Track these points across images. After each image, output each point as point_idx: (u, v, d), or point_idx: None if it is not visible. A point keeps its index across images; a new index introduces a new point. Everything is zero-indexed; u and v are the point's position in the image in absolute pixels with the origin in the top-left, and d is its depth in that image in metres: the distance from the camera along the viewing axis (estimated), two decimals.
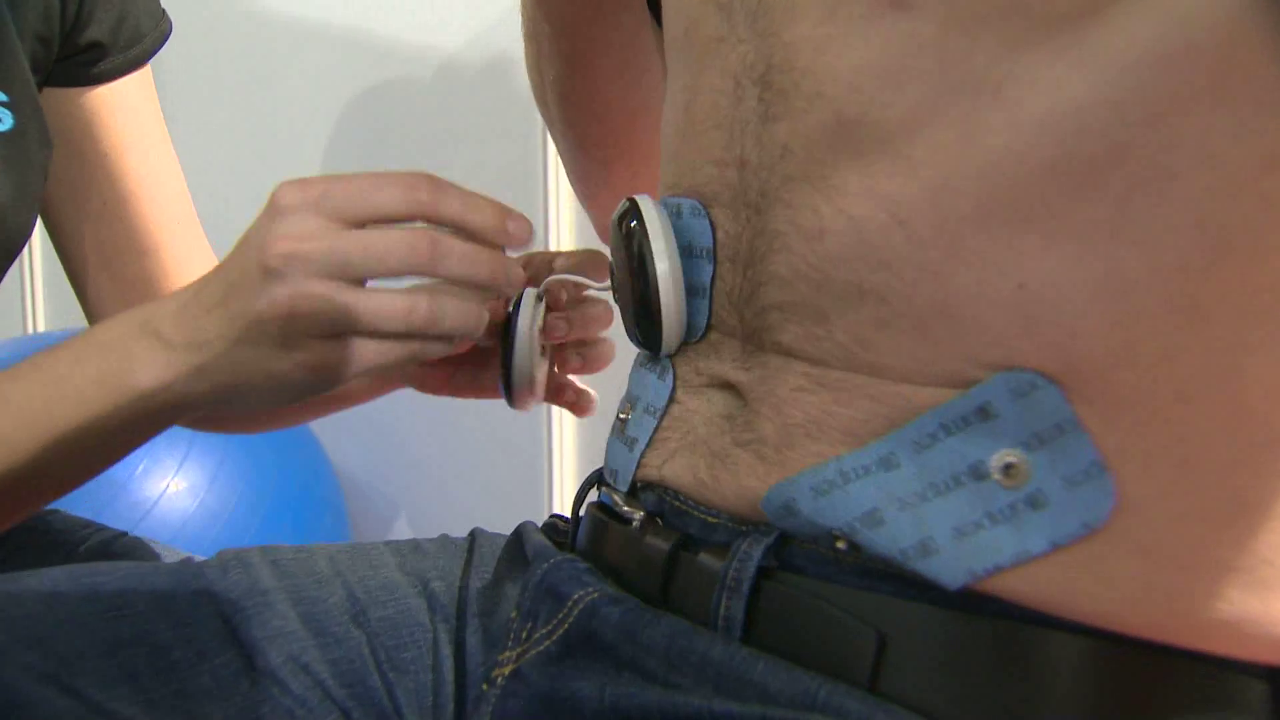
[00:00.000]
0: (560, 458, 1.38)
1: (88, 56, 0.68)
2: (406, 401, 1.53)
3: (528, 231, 0.47)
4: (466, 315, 0.46)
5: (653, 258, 0.41)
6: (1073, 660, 0.34)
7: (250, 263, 0.44)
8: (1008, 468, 0.34)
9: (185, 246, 0.72)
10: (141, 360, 0.46)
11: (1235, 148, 0.31)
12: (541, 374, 0.55)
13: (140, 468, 1.06)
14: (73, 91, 0.68)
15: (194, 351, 0.45)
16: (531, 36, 0.65)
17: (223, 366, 0.45)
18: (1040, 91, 0.32)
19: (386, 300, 0.44)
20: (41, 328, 1.52)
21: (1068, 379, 0.33)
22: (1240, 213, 0.32)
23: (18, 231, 0.65)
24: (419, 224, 0.46)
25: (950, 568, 0.34)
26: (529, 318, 0.51)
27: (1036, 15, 0.32)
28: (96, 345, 0.47)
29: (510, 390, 0.53)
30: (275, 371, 0.45)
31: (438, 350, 0.47)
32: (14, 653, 0.43)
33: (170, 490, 1.08)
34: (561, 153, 0.71)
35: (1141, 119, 0.31)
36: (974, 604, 0.34)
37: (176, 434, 1.07)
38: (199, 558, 0.53)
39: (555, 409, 1.36)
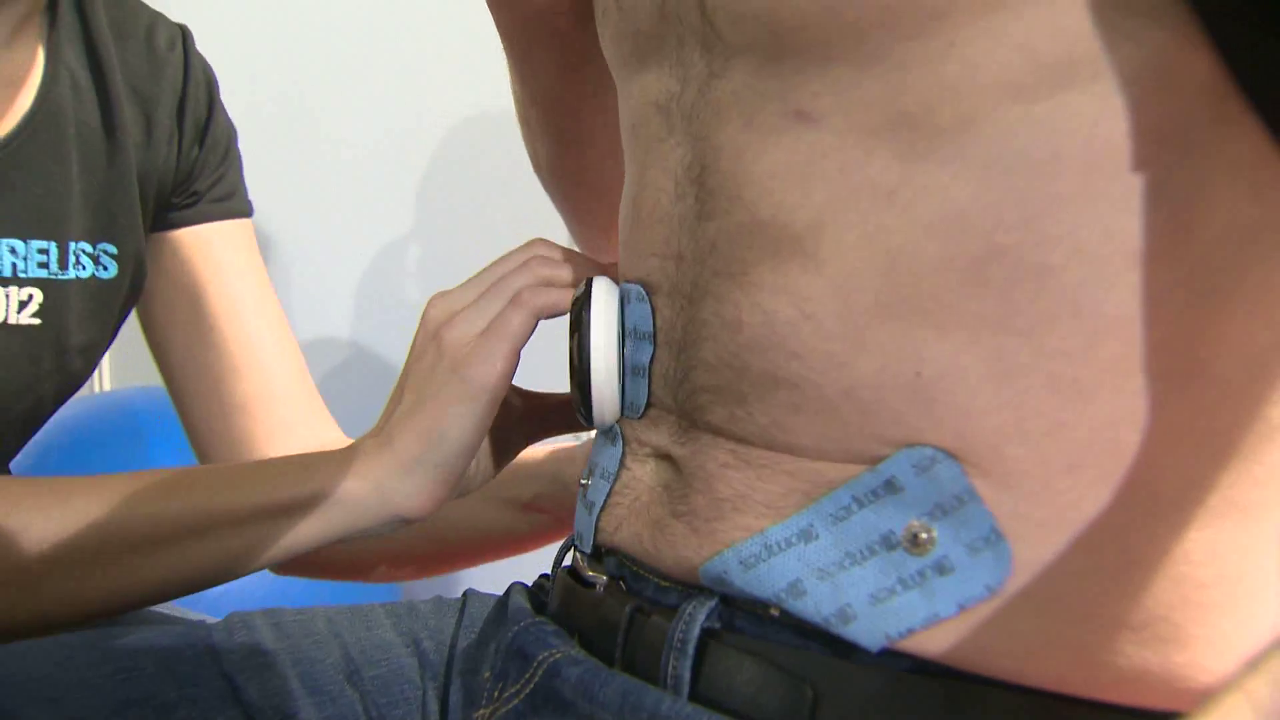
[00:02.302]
0: None
1: (185, 202, 0.76)
2: None
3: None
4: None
5: (591, 338, 0.44)
6: (993, 712, 0.36)
7: (440, 370, 0.50)
8: (915, 537, 0.36)
9: (273, 368, 0.78)
10: (407, 491, 0.50)
11: (1104, 245, 0.34)
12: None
13: None
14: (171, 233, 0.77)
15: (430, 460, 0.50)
16: (523, 119, 0.68)
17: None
18: (928, 197, 0.35)
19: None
20: (108, 386, 1.59)
21: (964, 454, 0.36)
22: (1113, 302, 0.34)
23: (80, 374, 0.72)
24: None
25: (869, 631, 0.36)
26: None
27: (922, 128, 0.35)
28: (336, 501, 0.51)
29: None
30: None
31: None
32: (28, 712, 0.47)
33: None
34: (563, 217, 0.74)
35: (1017, 221, 0.34)
36: (898, 662, 0.37)
37: None
38: (210, 619, 0.57)
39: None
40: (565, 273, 0.52)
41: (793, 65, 0.37)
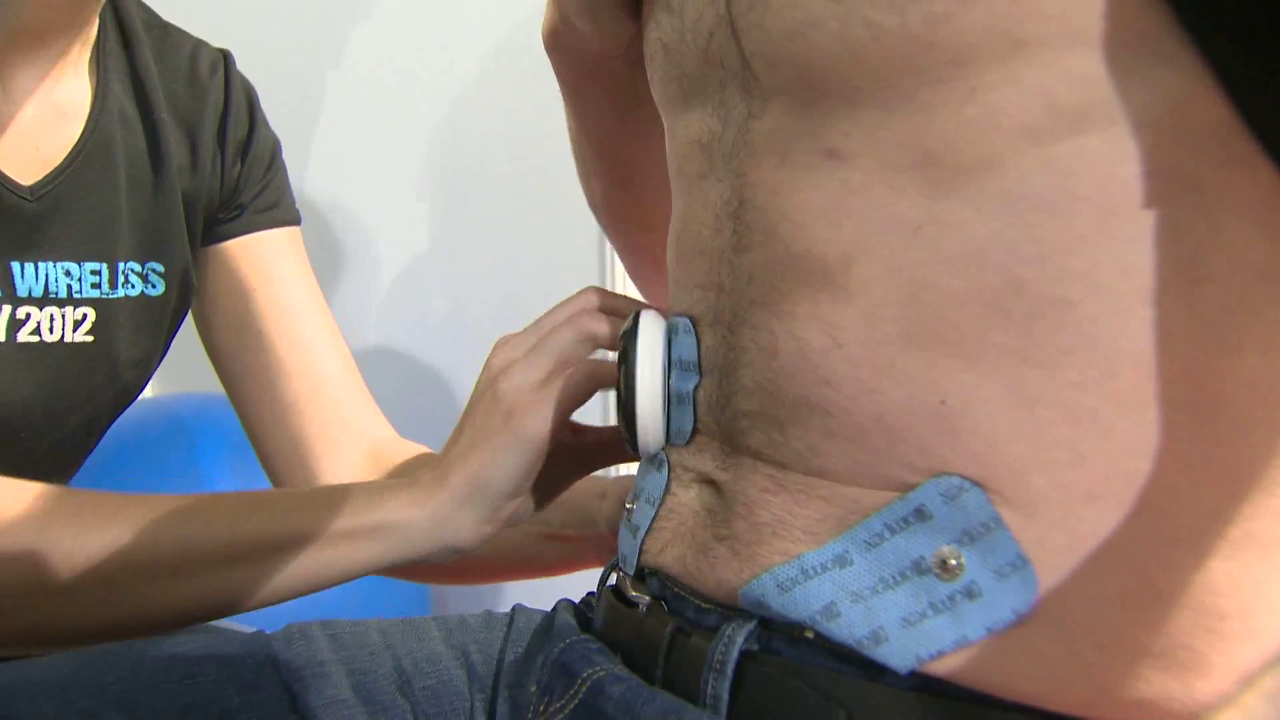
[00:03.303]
0: None
1: (231, 215, 0.81)
2: None
3: None
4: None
5: (636, 370, 0.46)
6: None
7: (495, 417, 0.54)
8: (944, 563, 0.37)
9: (323, 369, 0.81)
10: (457, 526, 0.55)
11: (1120, 281, 0.35)
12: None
13: None
14: (220, 245, 0.81)
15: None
16: (578, 157, 0.70)
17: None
18: (951, 232, 0.37)
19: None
20: (149, 393, 1.63)
21: (988, 482, 0.37)
22: (1129, 337, 0.35)
23: (133, 387, 0.77)
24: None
25: (899, 654, 0.38)
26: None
27: (947, 166, 0.37)
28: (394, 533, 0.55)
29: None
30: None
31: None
32: (105, 715, 0.50)
33: None
34: (616, 250, 0.76)
35: (1035, 257, 0.36)
36: (926, 684, 0.38)
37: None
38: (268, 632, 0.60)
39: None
40: (606, 328, 0.56)
41: (823, 107, 0.39)
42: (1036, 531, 0.37)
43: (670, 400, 0.47)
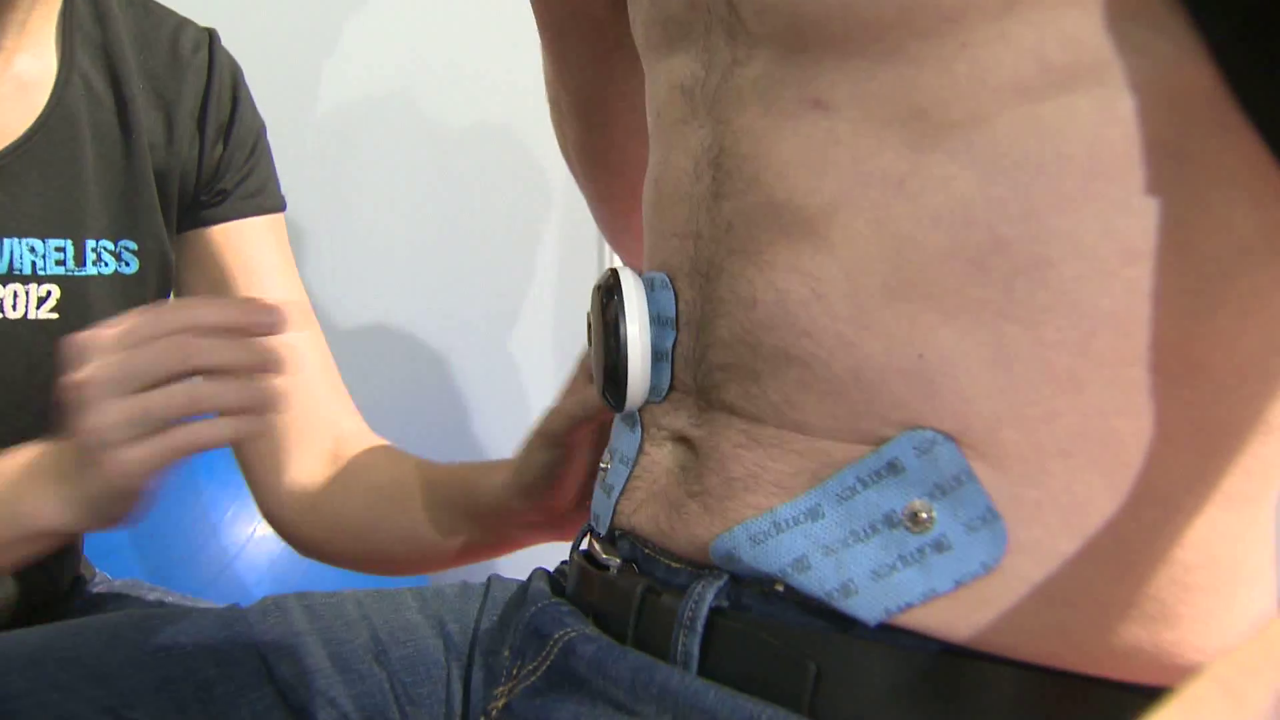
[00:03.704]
0: None
1: (213, 200, 0.79)
2: (487, 439, 1.58)
3: (274, 317, 0.54)
4: (227, 393, 0.53)
5: (625, 327, 0.46)
6: (985, 684, 0.38)
7: (88, 444, 0.52)
8: (915, 516, 0.38)
9: (298, 362, 0.78)
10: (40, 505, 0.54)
11: (1103, 241, 0.35)
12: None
13: (230, 513, 1.12)
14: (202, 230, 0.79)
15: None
16: (553, 101, 0.70)
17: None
18: (936, 187, 0.37)
19: (157, 395, 0.51)
20: None
21: (962, 436, 0.37)
22: (1109, 297, 0.36)
23: None
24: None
25: (868, 606, 0.38)
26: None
27: (934, 121, 0.37)
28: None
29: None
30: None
31: (235, 428, 0.54)
32: (80, 688, 0.50)
33: (257, 534, 1.13)
34: (587, 201, 0.76)
35: (1020, 214, 0.36)
36: (895, 637, 0.38)
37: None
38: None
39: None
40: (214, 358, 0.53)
41: (811, 56, 0.39)
42: (1008, 486, 0.37)
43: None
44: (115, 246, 0.73)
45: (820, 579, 0.39)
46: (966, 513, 0.37)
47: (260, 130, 0.83)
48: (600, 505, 0.49)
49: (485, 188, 1.52)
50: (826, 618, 0.39)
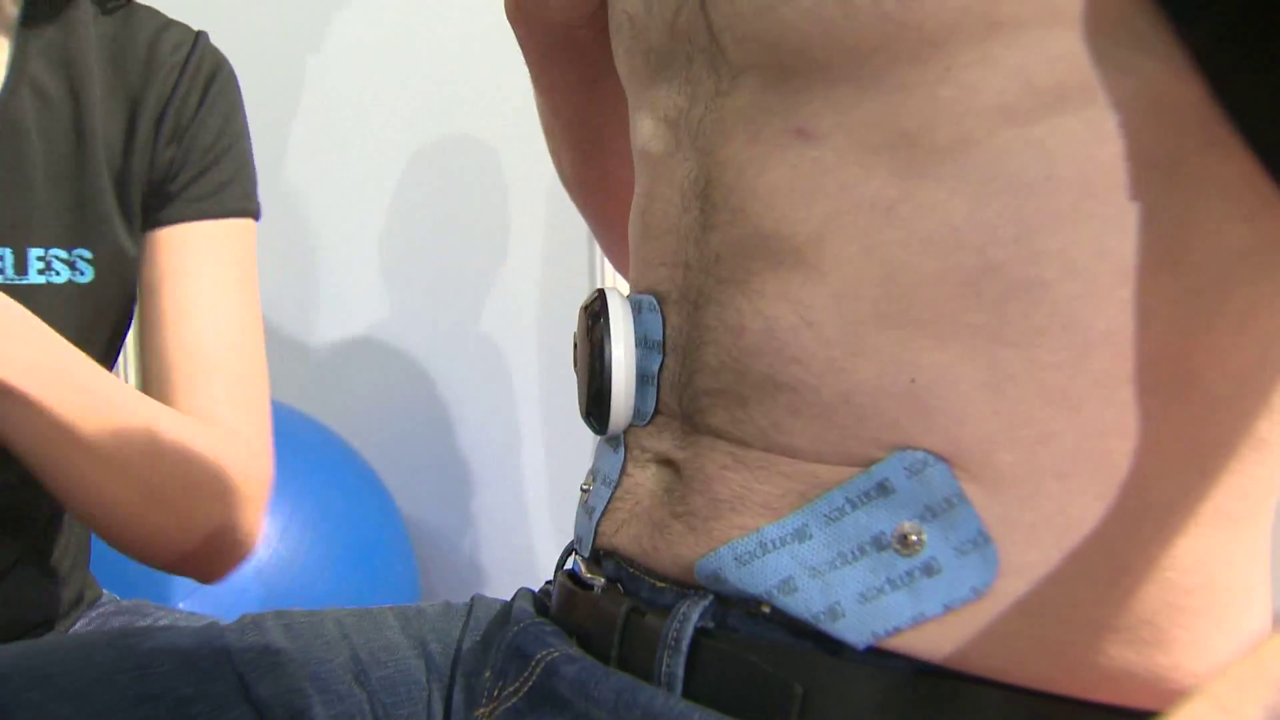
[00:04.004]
0: None
1: (158, 203, 0.76)
2: (475, 450, 1.59)
3: None
4: None
5: (610, 349, 0.46)
6: (981, 710, 0.37)
7: None
8: (905, 538, 0.37)
9: (191, 384, 0.73)
10: None
11: (1096, 261, 0.35)
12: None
13: None
14: (149, 233, 0.77)
15: None
16: (547, 129, 0.70)
17: None
18: (926, 213, 0.37)
19: None
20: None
21: (955, 459, 0.37)
22: (1103, 317, 0.35)
23: None
24: None
25: (856, 629, 0.37)
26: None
27: (921, 146, 0.36)
28: None
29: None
30: None
31: None
32: (51, 707, 0.48)
33: None
34: (589, 226, 0.76)
35: (1011, 237, 0.36)
36: (885, 661, 0.38)
37: None
38: (223, 621, 0.59)
39: None
40: None
41: (795, 85, 0.39)
42: (1002, 508, 0.36)
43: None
44: (69, 255, 0.71)
45: (807, 601, 0.38)
46: (958, 536, 0.36)
47: (232, 134, 0.80)
48: (582, 527, 0.49)
49: (473, 182, 1.51)
50: (813, 640, 0.39)
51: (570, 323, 1.49)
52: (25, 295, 0.69)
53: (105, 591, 0.87)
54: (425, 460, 1.55)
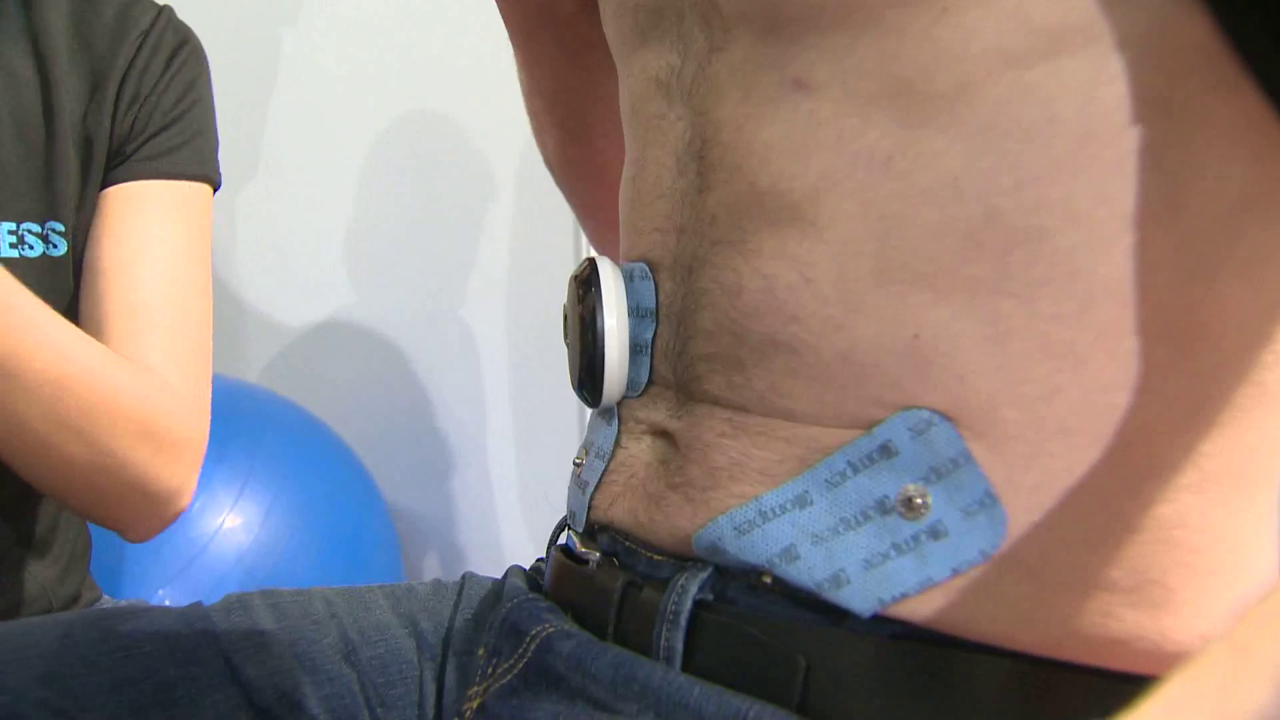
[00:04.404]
0: None
1: (115, 163, 0.75)
2: (458, 438, 1.58)
3: None
4: None
5: (603, 319, 0.44)
6: (982, 678, 0.36)
7: None
8: (909, 501, 0.36)
9: (125, 334, 0.71)
10: None
11: (1099, 209, 0.34)
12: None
13: (197, 504, 1.09)
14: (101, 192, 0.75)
15: None
16: (531, 112, 0.69)
17: None
18: (924, 164, 0.35)
19: None
20: None
21: (959, 417, 0.36)
22: (1107, 266, 0.34)
23: None
24: None
25: (861, 597, 0.36)
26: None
27: (918, 95, 0.35)
28: None
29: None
30: None
31: None
32: (29, 689, 0.47)
33: (226, 526, 1.11)
34: (575, 213, 0.75)
35: (1012, 185, 0.34)
36: (889, 629, 0.37)
37: (232, 472, 1.11)
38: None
39: None
40: None
41: (789, 34, 0.37)
42: (1007, 468, 0.35)
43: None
44: (42, 229, 0.71)
45: (809, 569, 0.37)
46: (964, 497, 0.35)
47: (192, 100, 0.78)
48: (575, 501, 0.48)
49: (454, 161, 1.49)
50: (816, 610, 0.38)
51: (553, 305, 1.49)
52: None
53: (103, 593, 0.86)
54: (408, 446, 1.54)
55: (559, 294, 1.42)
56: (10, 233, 0.69)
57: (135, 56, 0.75)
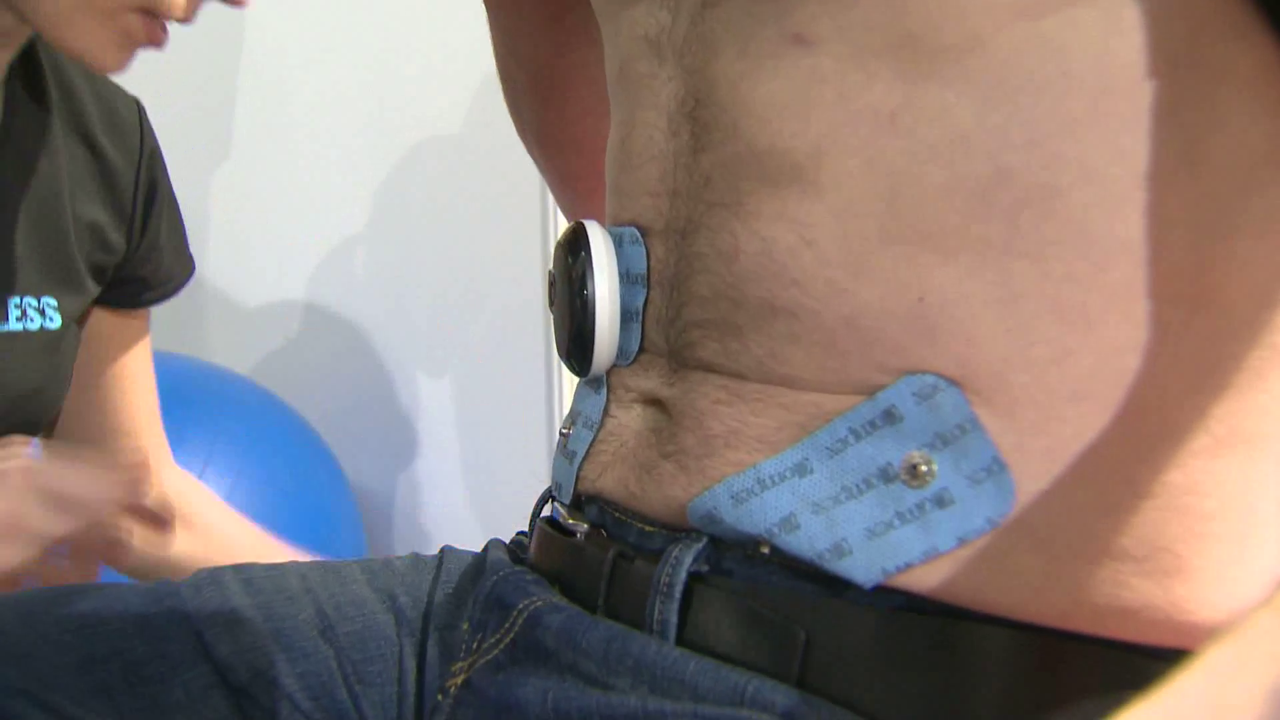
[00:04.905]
0: None
1: (132, 289, 0.83)
2: (421, 417, 1.56)
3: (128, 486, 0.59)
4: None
5: (593, 286, 0.43)
6: (988, 650, 0.35)
7: None
8: (914, 469, 0.35)
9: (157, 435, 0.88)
10: None
11: (1114, 166, 0.33)
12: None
13: None
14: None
15: None
16: (506, 79, 0.67)
17: None
18: (931, 119, 0.34)
19: None
20: None
21: (967, 382, 0.35)
22: (1121, 225, 0.33)
23: (49, 406, 0.79)
24: None
25: (864, 567, 0.35)
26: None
27: (925, 48, 0.34)
28: None
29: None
30: None
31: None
32: None
33: None
34: (549, 187, 0.73)
35: (1023, 142, 0.33)
36: (892, 600, 0.36)
37: (192, 451, 1.09)
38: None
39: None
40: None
41: None
42: (1016, 434, 0.34)
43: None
44: (39, 303, 0.74)
45: (810, 539, 0.36)
46: (970, 464, 0.34)
47: (175, 213, 0.86)
48: (562, 472, 0.46)
49: (413, 155, 1.47)
50: (816, 581, 0.37)
51: (518, 284, 1.47)
52: (4, 342, 0.72)
53: None
54: (372, 426, 1.52)
55: (524, 273, 1.41)
56: (15, 306, 0.73)
57: (138, 172, 0.80)
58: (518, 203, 1.42)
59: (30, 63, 0.73)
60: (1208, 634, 0.35)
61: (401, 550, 1.48)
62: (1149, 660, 0.35)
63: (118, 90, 0.81)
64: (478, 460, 1.49)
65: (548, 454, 1.40)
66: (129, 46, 0.65)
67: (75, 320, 0.78)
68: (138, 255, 0.81)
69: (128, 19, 0.63)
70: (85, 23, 0.63)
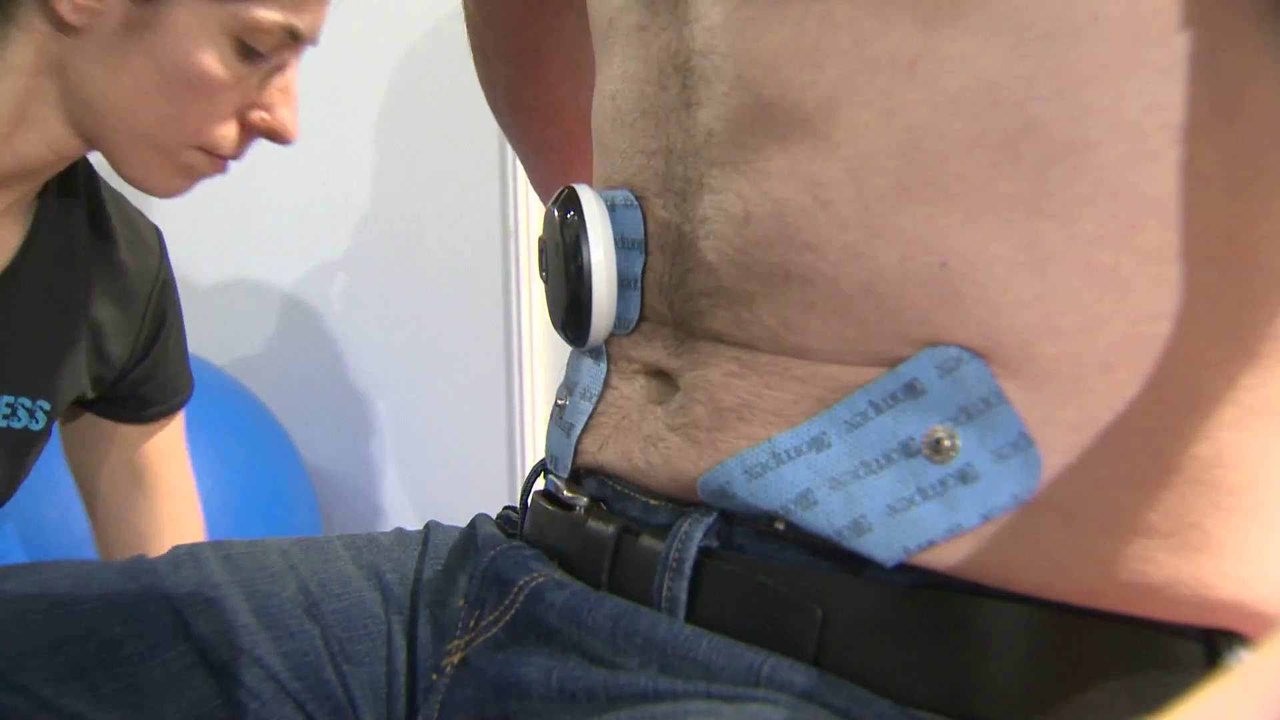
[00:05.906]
0: (530, 449, 1.38)
1: (136, 404, 0.84)
2: (376, 396, 1.54)
3: None
4: None
5: (588, 252, 0.41)
6: (1010, 628, 0.34)
7: None
8: (937, 443, 0.34)
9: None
10: None
11: (1147, 119, 0.32)
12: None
13: None
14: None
15: None
16: (478, 45, 0.65)
17: None
18: (953, 68, 0.33)
19: None
20: None
21: (992, 353, 0.33)
22: (1154, 182, 0.32)
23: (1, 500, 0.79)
24: None
25: (884, 545, 0.34)
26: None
27: None
28: None
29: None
30: None
31: None
32: None
33: None
34: (520, 158, 0.71)
35: (1053, 92, 0.32)
36: (913, 578, 0.35)
37: None
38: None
39: (526, 402, 1.36)
40: None
41: None
42: (1043, 407, 0.33)
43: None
44: (33, 404, 0.74)
45: (828, 515, 0.35)
46: (996, 439, 0.34)
47: (182, 339, 0.87)
48: (558, 445, 0.45)
49: (373, 131, 1.45)
50: (833, 558, 0.36)
51: (476, 261, 1.45)
52: None
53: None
54: (326, 405, 1.50)
55: (482, 249, 1.39)
56: (7, 404, 0.72)
57: (151, 294, 0.81)
58: (475, 179, 1.41)
59: (66, 172, 0.74)
60: (1231, 610, 0.35)
61: (357, 529, 1.46)
62: (1171, 638, 0.35)
63: (140, 213, 0.82)
64: (433, 439, 1.47)
65: (505, 431, 1.38)
66: (192, 176, 0.70)
67: (56, 421, 0.78)
68: (135, 374, 0.82)
69: (189, 154, 0.69)
70: (148, 155, 0.68)
